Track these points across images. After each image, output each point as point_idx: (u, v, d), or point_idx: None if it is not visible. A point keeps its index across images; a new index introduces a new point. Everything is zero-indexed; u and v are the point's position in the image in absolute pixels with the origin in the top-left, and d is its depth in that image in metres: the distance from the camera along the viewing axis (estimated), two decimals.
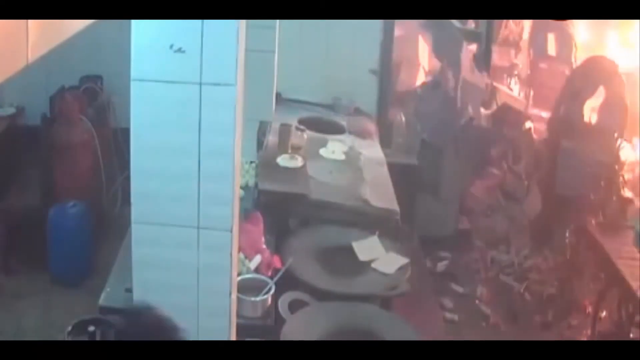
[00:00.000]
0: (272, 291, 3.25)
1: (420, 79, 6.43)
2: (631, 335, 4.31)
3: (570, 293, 5.28)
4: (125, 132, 2.44)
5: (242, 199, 3.46)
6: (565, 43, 6.95)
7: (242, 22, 2.33)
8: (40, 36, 1.65)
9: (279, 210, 3.94)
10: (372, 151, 4.85)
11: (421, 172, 5.54)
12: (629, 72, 5.74)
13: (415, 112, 5.87)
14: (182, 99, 2.36)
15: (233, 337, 2.60)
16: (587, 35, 6.69)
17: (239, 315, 2.83)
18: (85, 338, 2.69)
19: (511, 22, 7.01)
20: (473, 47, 6.39)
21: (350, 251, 3.74)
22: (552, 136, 5.89)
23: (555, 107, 5.89)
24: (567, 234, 5.47)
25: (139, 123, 2.40)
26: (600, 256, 4.68)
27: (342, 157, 4.65)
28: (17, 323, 4.24)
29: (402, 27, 6.12)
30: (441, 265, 5.66)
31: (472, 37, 6.35)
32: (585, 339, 4.81)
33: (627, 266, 4.28)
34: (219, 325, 2.53)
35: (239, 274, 3.06)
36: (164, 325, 2.36)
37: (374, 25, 5.52)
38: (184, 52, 2.30)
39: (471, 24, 6.46)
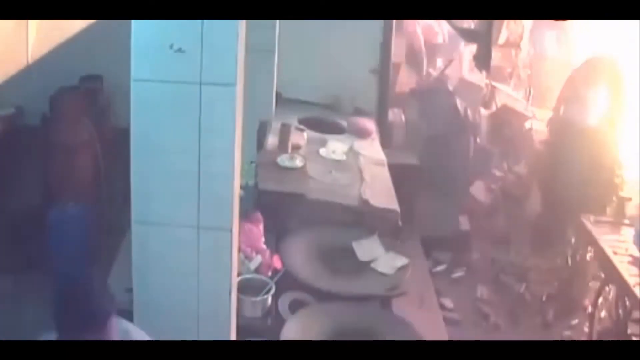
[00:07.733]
0: (272, 291, 3.26)
1: (420, 79, 6.43)
2: (629, 331, 4.31)
3: (570, 293, 5.28)
4: (125, 132, 2.43)
5: (242, 199, 3.46)
6: (565, 43, 6.95)
7: (242, 22, 2.33)
8: (40, 36, 1.65)
9: (279, 210, 3.94)
10: (372, 151, 4.85)
11: (422, 172, 5.53)
12: (629, 71, 5.73)
13: (421, 110, 5.87)
14: (182, 99, 2.36)
15: (233, 337, 2.60)
16: (587, 35, 6.68)
17: (239, 315, 2.83)
18: None
19: (511, 22, 7.00)
20: (473, 47, 6.38)
21: (350, 251, 3.73)
22: (552, 136, 5.88)
23: (555, 107, 5.88)
24: (567, 234, 5.46)
25: (139, 123, 2.40)
26: (598, 254, 4.68)
27: (342, 157, 4.65)
28: (17, 323, 4.23)
29: (402, 27, 6.12)
30: (441, 266, 5.66)
31: (472, 37, 6.34)
32: (585, 338, 4.81)
33: (623, 262, 4.28)
34: (219, 325, 2.53)
35: (239, 274, 3.07)
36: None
37: (374, 25, 5.51)
38: (184, 52, 2.31)
39: (471, 24, 6.46)
